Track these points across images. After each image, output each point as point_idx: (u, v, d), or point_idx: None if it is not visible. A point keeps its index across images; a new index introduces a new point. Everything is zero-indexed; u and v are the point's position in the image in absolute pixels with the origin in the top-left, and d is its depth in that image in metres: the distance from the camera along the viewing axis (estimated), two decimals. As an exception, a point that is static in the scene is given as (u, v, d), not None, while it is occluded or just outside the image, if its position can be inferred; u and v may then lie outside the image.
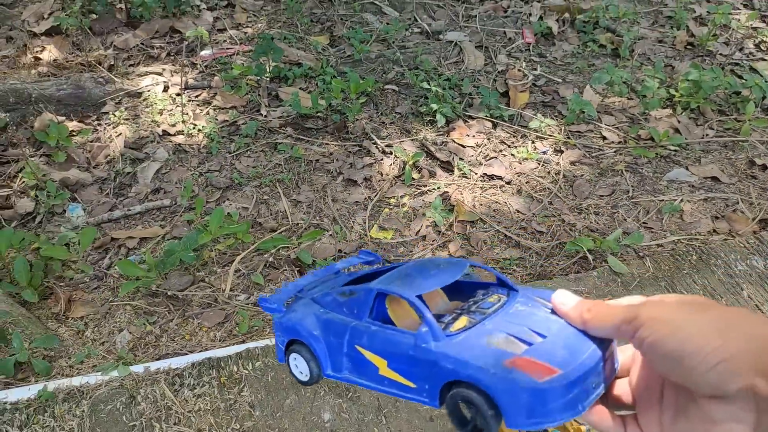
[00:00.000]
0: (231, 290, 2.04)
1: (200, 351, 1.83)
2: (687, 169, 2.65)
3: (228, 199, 2.41)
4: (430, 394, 0.58)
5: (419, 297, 0.61)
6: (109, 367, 1.74)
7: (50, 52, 2.94)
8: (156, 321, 1.95)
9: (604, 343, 0.57)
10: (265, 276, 2.10)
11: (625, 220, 2.39)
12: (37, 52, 2.96)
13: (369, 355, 0.62)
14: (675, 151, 2.74)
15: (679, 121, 2.89)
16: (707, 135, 2.86)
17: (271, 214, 2.37)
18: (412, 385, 0.59)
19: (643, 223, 2.38)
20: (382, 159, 2.60)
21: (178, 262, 1.98)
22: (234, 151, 2.61)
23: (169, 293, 2.00)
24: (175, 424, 1.62)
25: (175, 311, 1.98)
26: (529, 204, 2.46)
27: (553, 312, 0.60)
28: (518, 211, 2.43)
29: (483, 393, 0.53)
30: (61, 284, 2.06)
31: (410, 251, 2.24)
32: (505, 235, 2.31)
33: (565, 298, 0.59)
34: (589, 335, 0.56)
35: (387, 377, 0.61)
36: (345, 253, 2.19)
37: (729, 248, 2.17)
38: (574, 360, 0.53)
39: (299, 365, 0.70)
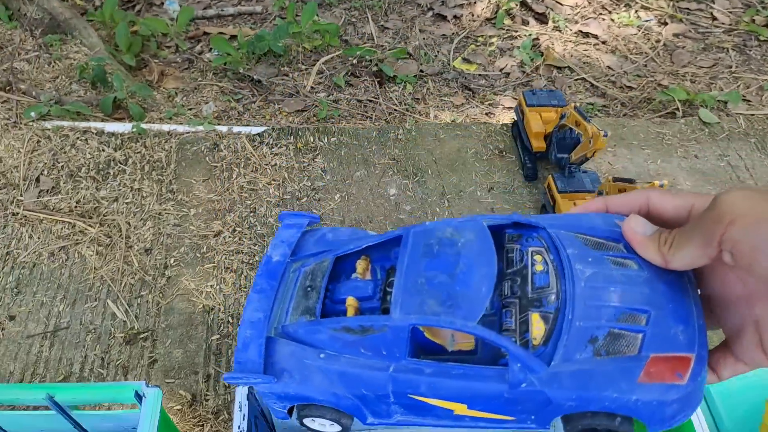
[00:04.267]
0: (312, 87, 2.19)
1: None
2: (801, 56, 2.57)
3: (317, 16, 2.53)
4: (539, 422, 0.51)
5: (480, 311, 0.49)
6: (196, 122, 1.93)
7: None
8: (240, 100, 2.12)
9: (691, 280, 0.49)
10: (347, 81, 2.23)
11: (722, 90, 2.37)
12: None
13: (436, 402, 0.52)
14: (791, 40, 2.65)
15: (801, 13, 2.79)
16: (831, 31, 2.75)
17: (357, 35, 2.48)
18: (509, 418, 0.51)
19: (742, 96, 2.36)
20: (475, 1, 2.65)
21: (267, 48, 2.13)
22: (328, -24, 2.71)
23: (254, 77, 2.17)
24: (252, 171, 1.80)
25: (258, 95, 2.15)
26: (622, 63, 2.47)
27: (611, 248, 0.50)
28: (609, 68, 2.45)
29: (618, 416, 0.48)
30: (155, 60, 2.26)
31: (491, 84, 2.31)
32: (592, 84, 2.34)
33: (638, 226, 0.48)
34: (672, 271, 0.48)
35: (468, 416, 0.53)
36: (426, 73, 2.29)
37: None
38: (692, 328, 0.46)
39: (322, 424, 0.59)
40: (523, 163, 1.86)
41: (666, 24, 2.70)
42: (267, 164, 1.82)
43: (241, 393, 0.82)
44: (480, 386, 0.49)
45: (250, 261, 1.61)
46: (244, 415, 0.81)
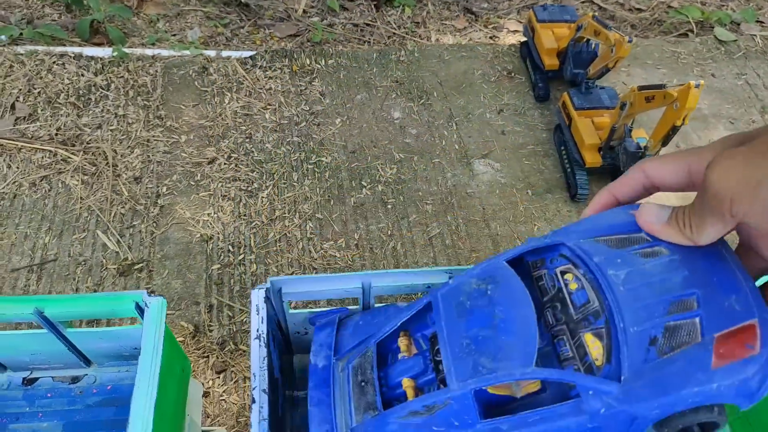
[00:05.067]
0: (305, 11, 2.05)
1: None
2: (814, -23, 2.47)
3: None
4: None
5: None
6: (181, 47, 1.79)
7: None
8: (227, 25, 1.98)
9: (724, 244, 0.48)
10: (341, 5, 2.09)
11: (734, 11, 2.27)
12: None
13: None
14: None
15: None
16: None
17: (350, -42, 2.32)
18: None
19: (756, 19, 2.27)
20: None
21: (256, -32, 1.98)
22: None
23: (242, 0, 2.02)
24: (246, 96, 1.68)
25: (246, 20, 2.01)
26: (630, -15, 2.35)
27: (635, 240, 0.48)
28: (617, -11, 2.33)
29: (705, 408, 0.46)
30: (134, -15, 2.10)
31: (494, 7, 2.19)
32: (600, 6, 2.23)
33: (651, 216, 0.47)
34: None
35: None
36: (426, -4, 2.16)
37: None
38: (744, 293, 0.44)
39: None
40: (534, 84, 1.76)
41: (674, -55, 2.57)
42: (261, 88, 1.70)
43: (257, 296, 0.74)
44: (561, 426, 0.47)
45: (248, 188, 1.51)
46: (262, 318, 0.73)
